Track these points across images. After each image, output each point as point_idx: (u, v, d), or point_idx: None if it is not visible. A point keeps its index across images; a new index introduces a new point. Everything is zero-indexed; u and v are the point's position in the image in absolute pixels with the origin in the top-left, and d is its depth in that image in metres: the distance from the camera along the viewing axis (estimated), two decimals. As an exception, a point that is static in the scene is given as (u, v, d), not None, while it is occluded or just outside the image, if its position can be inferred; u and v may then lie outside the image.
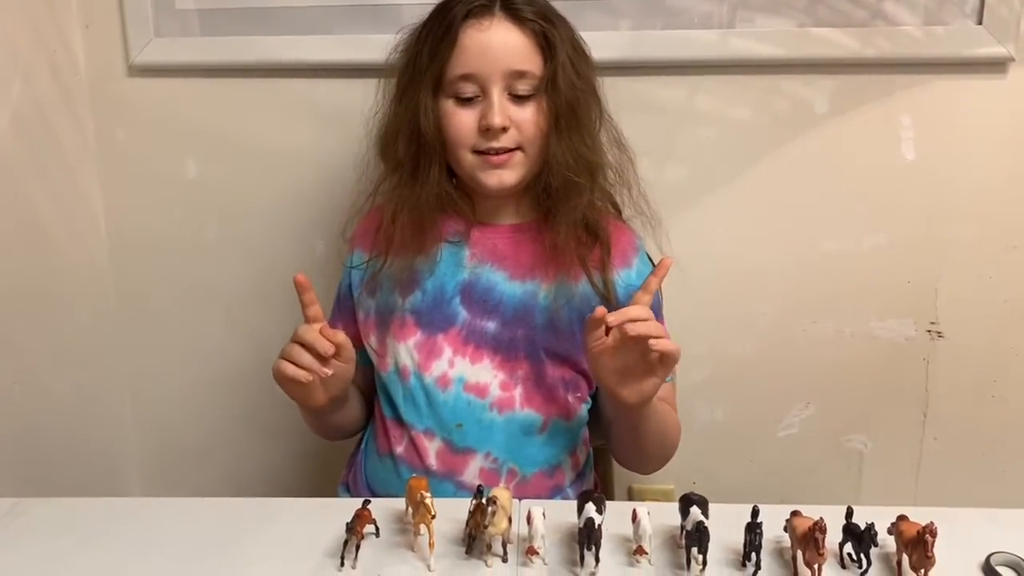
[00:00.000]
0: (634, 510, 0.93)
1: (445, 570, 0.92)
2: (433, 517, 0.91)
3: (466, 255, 1.27)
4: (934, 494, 1.65)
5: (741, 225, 1.58)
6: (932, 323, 1.59)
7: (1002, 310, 1.57)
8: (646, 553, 0.92)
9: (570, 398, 1.28)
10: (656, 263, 1.31)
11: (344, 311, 1.35)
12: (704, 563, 0.89)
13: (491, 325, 1.26)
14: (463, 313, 1.26)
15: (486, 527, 0.90)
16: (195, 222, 1.66)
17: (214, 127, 1.60)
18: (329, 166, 1.55)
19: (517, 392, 1.25)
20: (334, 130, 1.53)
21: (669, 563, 0.93)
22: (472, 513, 0.93)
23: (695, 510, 0.90)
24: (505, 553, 0.93)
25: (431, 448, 1.24)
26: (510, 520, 0.93)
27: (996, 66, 1.46)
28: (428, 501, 0.91)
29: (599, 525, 0.89)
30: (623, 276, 1.26)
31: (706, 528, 0.87)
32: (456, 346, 1.26)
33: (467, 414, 1.24)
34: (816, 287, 1.59)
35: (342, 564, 0.92)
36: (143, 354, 1.72)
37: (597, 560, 0.89)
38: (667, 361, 1.09)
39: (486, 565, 0.92)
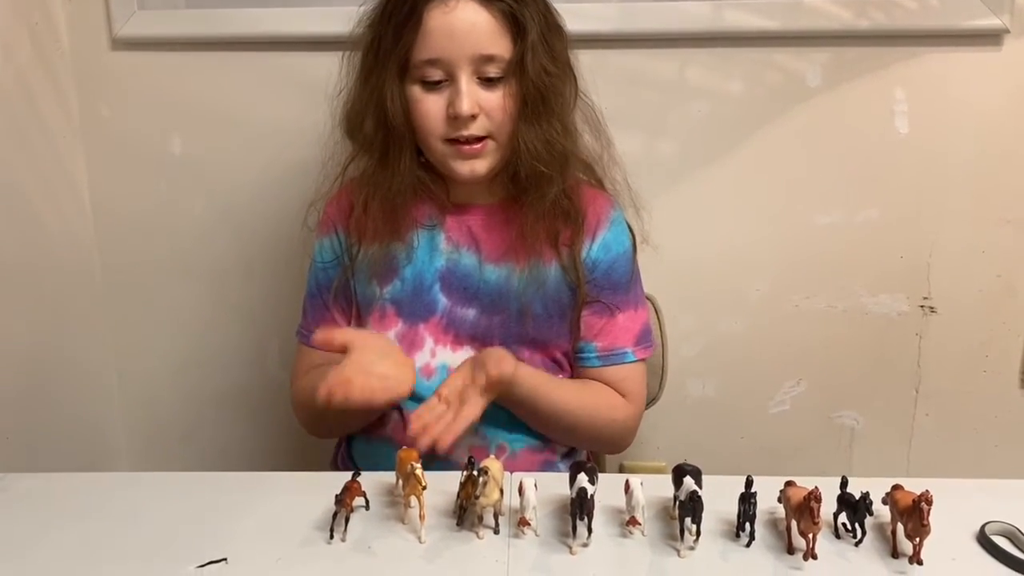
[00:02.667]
0: (627, 480, 0.92)
1: (436, 542, 0.91)
2: (424, 488, 0.89)
3: (442, 240, 1.25)
4: (925, 470, 1.65)
5: (733, 200, 1.57)
6: (925, 298, 1.59)
7: (995, 284, 1.57)
8: (639, 524, 0.90)
9: None
10: (634, 236, 1.29)
11: (333, 307, 1.29)
12: (698, 533, 0.88)
13: (471, 312, 1.24)
14: (443, 300, 1.24)
15: (477, 498, 0.89)
16: (181, 197, 1.64)
17: (200, 101, 1.58)
18: (317, 140, 1.49)
19: None
20: (322, 103, 1.49)
21: (662, 534, 0.92)
22: (463, 484, 0.92)
23: (688, 480, 0.88)
24: (497, 525, 0.92)
25: None
26: (501, 491, 0.92)
27: (991, 38, 1.45)
28: (419, 472, 0.89)
29: (591, 495, 0.87)
30: (588, 250, 1.24)
31: (700, 498, 0.86)
32: (437, 335, 1.24)
33: None
34: (808, 262, 1.59)
35: (331, 537, 0.90)
36: (129, 331, 1.71)
37: (590, 531, 0.88)
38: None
39: (477, 537, 0.91)
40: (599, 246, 1.24)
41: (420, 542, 0.90)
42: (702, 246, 1.58)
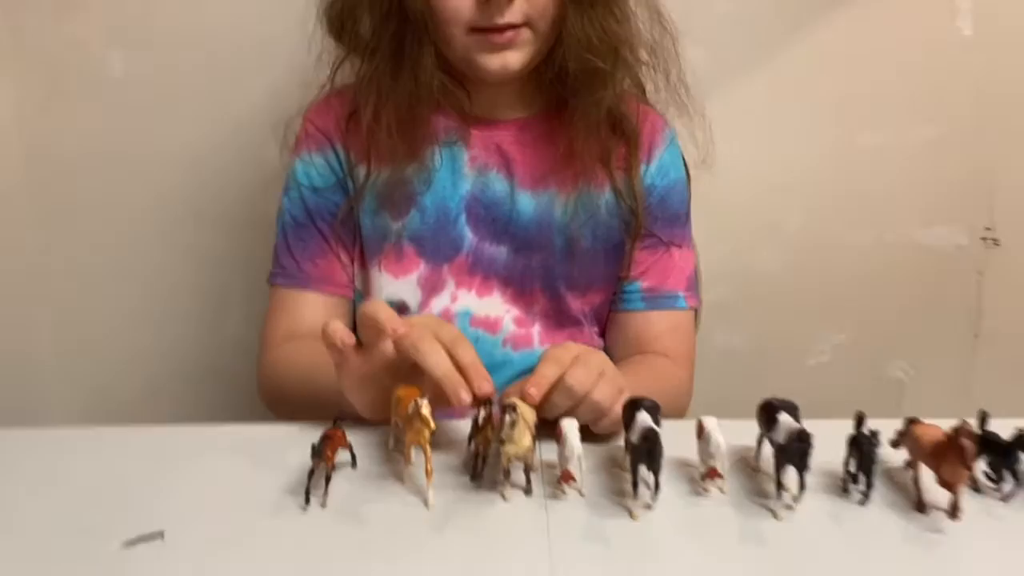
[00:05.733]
0: (699, 422, 0.70)
1: (448, 506, 0.68)
2: (432, 433, 0.67)
3: (465, 159, 1.08)
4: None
5: (764, 117, 1.41)
6: (987, 229, 1.46)
7: (1069, 212, 1.43)
8: (721, 476, 0.69)
9: (595, 332, 1.14)
10: (686, 164, 1.16)
11: (332, 240, 1.10)
12: (802, 487, 0.66)
13: (501, 251, 1.10)
14: (469, 235, 1.09)
15: (503, 442, 0.67)
16: (122, 126, 1.43)
17: (141, 14, 1.37)
18: (277, 53, 1.32)
19: (535, 330, 1.11)
20: (283, 6, 1.27)
21: (746, 490, 0.71)
22: (479, 428, 0.70)
23: (785, 417, 0.67)
24: (528, 482, 0.70)
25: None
26: (534, 438, 0.69)
27: (1074, -84, 1.29)
28: (424, 412, 0.67)
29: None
30: (643, 173, 1.10)
31: (808, 438, 0.65)
32: (460, 277, 1.10)
33: None
34: (852, 189, 1.44)
35: (307, 502, 0.68)
36: (65, 277, 1.50)
37: (658, 487, 0.66)
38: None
39: (503, 498, 0.69)
40: (656, 169, 1.11)
41: (426, 507, 0.68)
42: (730, 172, 1.36)
